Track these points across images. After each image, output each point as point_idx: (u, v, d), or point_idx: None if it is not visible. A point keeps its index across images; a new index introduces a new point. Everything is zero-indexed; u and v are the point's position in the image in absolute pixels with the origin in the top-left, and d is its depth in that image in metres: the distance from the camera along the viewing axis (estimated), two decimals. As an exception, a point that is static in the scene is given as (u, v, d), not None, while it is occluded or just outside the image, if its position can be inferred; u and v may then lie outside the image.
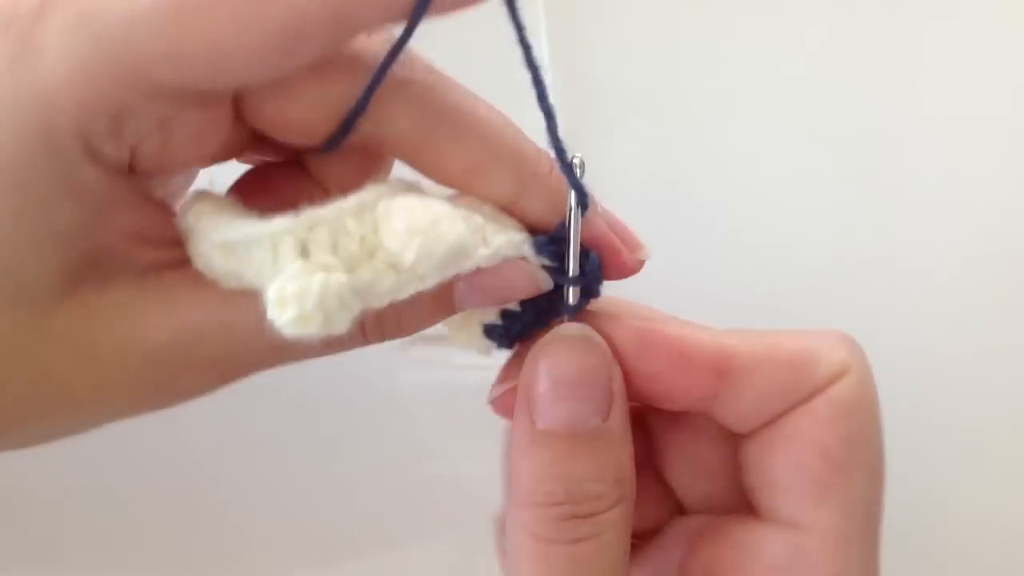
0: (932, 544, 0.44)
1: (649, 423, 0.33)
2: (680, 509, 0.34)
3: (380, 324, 0.27)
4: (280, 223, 0.25)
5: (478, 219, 0.27)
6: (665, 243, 0.47)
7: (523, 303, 0.29)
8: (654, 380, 0.29)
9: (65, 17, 0.23)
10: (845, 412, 0.28)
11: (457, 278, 0.27)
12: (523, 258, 0.28)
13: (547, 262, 0.28)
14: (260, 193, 0.29)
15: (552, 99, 0.27)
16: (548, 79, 0.27)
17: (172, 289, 0.26)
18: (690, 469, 0.33)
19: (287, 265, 0.25)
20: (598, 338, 0.28)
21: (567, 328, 0.28)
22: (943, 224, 0.48)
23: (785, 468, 0.28)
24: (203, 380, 0.27)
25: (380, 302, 0.26)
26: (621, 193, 0.48)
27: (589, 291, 0.29)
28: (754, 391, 0.28)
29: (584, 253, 0.29)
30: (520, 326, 0.30)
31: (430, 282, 0.26)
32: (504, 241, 0.27)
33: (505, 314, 0.30)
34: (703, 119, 0.48)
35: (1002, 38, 0.49)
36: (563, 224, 0.28)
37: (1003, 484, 0.45)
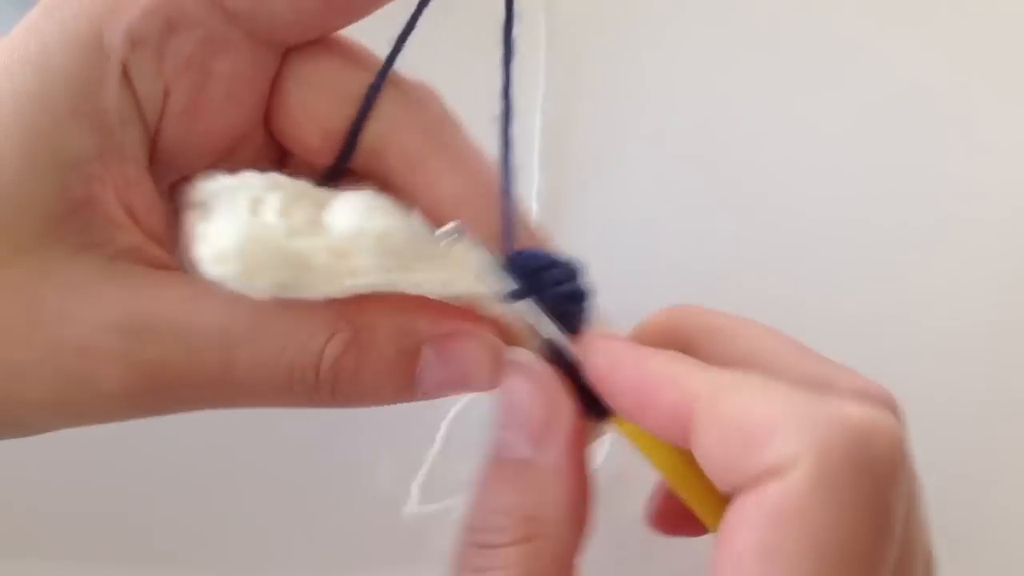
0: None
1: None
2: None
3: (341, 360, 0.26)
4: (238, 179, 0.26)
5: (433, 249, 0.26)
6: (661, 237, 0.47)
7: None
8: (631, 413, 0.26)
9: None
10: (769, 522, 0.21)
11: (421, 342, 0.26)
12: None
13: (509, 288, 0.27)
14: None
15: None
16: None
17: (136, 277, 0.25)
18: None
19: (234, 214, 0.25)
20: (539, 367, 0.27)
21: (512, 352, 0.27)
22: (941, 213, 0.48)
23: (711, 569, 0.23)
24: (127, 382, 0.25)
25: (311, 285, 0.25)
26: (616, 188, 0.49)
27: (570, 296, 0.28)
28: (707, 450, 0.24)
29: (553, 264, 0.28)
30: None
31: (363, 280, 0.25)
32: (462, 275, 0.27)
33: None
34: (700, 114, 0.48)
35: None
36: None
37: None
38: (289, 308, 0.25)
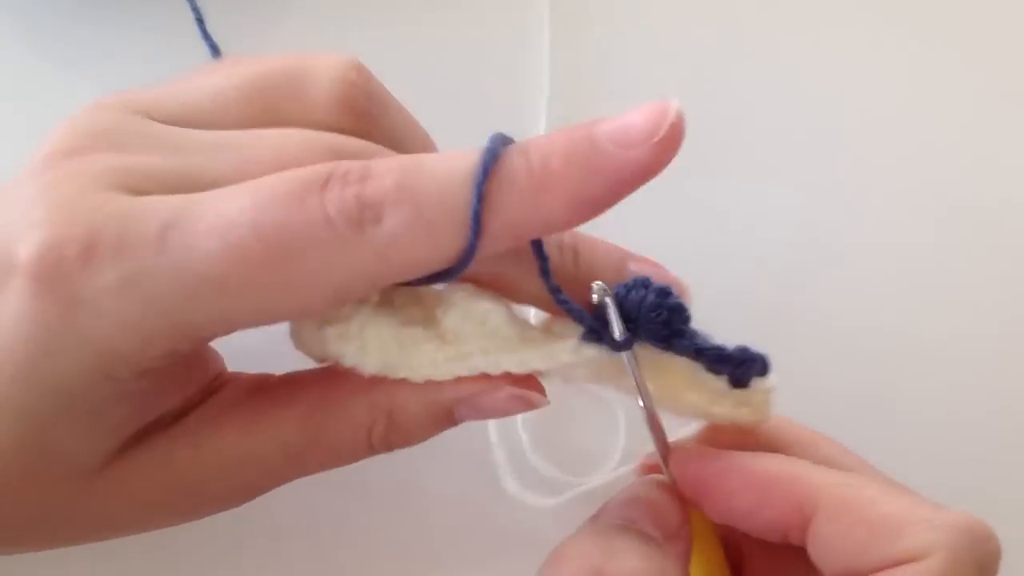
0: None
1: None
2: None
3: (387, 435, 0.29)
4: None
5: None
6: (665, 237, 0.47)
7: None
8: (744, 513, 0.28)
9: (113, 277, 0.24)
10: None
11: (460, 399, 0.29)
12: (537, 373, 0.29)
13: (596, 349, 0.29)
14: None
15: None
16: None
17: (196, 432, 0.29)
18: None
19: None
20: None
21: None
22: (951, 208, 0.46)
23: None
24: (228, 500, 0.30)
25: (417, 368, 0.29)
26: None
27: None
28: (832, 539, 0.26)
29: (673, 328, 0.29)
30: None
31: (468, 363, 0.29)
32: (562, 347, 0.29)
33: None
34: (708, 114, 0.46)
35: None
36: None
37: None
38: (329, 414, 0.29)
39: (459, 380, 0.29)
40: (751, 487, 0.28)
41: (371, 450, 0.29)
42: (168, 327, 0.25)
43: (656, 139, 0.25)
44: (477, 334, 0.29)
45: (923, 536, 0.25)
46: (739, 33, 0.49)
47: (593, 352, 0.29)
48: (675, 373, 0.30)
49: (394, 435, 0.29)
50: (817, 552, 0.27)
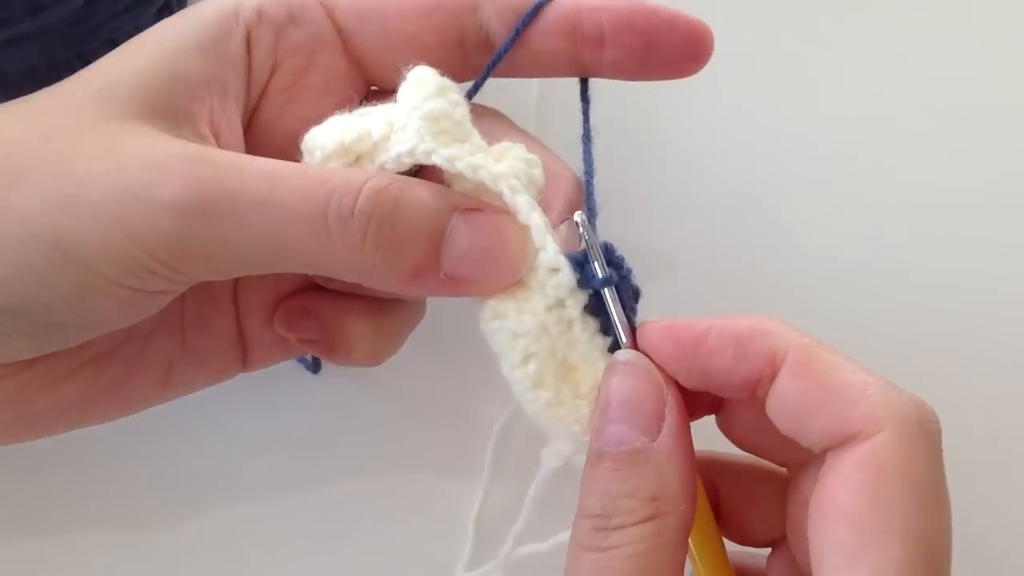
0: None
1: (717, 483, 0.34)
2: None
3: (373, 207, 0.28)
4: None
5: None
6: (657, 222, 0.47)
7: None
8: (724, 370, 0.29)
9: None
10: (874, 478, 0.26)
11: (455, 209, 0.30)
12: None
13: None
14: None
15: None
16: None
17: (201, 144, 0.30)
18: (754, 519, 0.34)
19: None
20: (646, 362, 0.30)
21: (619, 354, 0.30)
22: (943, 217, 0.47)
23: (815, 534, 0.27)
24: (182, 192, 0.28)
25: (457, 147, 0.30)
26: (624, 183, 0.48)
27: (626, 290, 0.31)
28: (791, 395, 0.28)
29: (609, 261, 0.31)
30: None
31: (501, 181, 0.30)
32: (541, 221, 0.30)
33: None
34: (706, 112, 0.48)
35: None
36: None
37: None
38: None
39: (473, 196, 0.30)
40: (729, 344, 0.29)
41: (351, 208, 0.28)
42: None
43: None
44: (515, 167, 0.30)
45: (876, 408, 0.26)
46: (741, 20, 0.49)
47: (567, 271, 0.30)
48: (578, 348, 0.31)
49: (389, 196, 0.29)
50: (774, 406, 0.28)
